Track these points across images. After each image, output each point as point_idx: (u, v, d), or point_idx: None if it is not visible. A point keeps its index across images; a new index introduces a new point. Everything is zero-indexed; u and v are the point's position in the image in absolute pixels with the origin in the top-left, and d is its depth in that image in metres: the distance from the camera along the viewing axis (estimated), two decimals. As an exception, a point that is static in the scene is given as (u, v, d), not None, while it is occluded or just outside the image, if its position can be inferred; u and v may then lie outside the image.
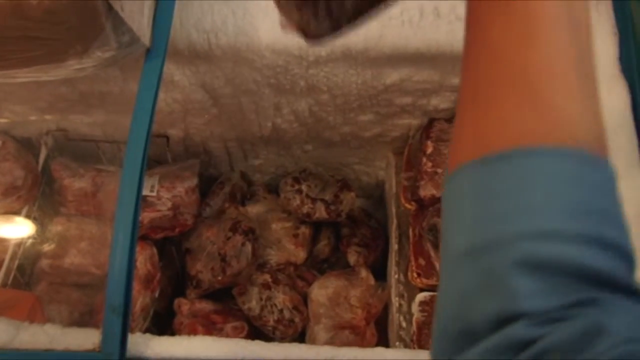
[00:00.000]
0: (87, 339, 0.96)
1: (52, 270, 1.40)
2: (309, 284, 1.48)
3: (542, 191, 0.38)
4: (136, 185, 0.95)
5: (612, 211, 0.38)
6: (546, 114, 0.40)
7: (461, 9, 1.21)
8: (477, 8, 0.45)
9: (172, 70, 1.26)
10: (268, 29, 1.20)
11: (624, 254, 0.36)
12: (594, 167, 0.39)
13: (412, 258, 1.30)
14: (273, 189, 1.66)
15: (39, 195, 1.44)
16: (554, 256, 0.35)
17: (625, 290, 0.35)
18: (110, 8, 0.91)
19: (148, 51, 1.03)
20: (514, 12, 0.41)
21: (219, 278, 1.38)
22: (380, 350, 1.03)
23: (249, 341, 1.00)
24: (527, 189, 0.38)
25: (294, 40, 1.20)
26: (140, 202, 0.96)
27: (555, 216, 0.36)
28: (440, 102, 1.39)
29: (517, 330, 0.34)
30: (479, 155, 0.40)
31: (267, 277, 1.44)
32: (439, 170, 1.39)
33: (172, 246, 1.50)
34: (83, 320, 1.39)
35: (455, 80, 1.31)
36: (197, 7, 1.20)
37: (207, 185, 1.61)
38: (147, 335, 1.00)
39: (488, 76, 0.43)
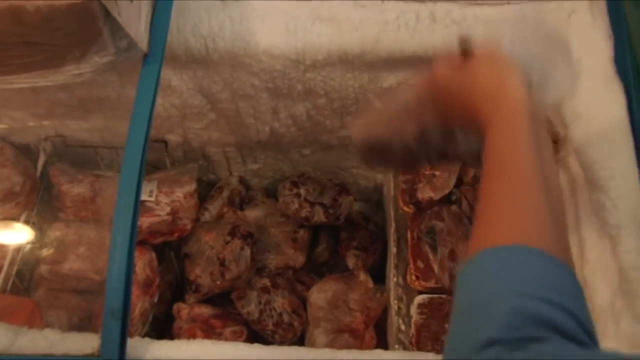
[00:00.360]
0: (86, 343, 0.96)
1: (51, 276, 1.40)
2: (308, 287, 1.48)
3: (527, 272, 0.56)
4: (134, 189, 0.95)
5: (575, 292, 0.56)
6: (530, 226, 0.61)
7: (456, 14, 1.22)
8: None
9: (170, 75, 1.27)
10: (265, 33, 1.20)
11: (578, 319, 0.51)
12: (557, 263, 0.57)
13: (411, 261, 1.30)
14: (271, 194, 1.67)
15: (38, 201, 1.44)
16: (530, 308, 0.51)
17: (573, 338, 0.50)
18: (107, 13, 0.91)
19: (145, 56, 1.03)
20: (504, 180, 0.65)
21: (218, 282, 1.38)
22: (378, 352, 1.04)
23: (248, 344, 1.01)
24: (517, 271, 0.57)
25: (290, 45, 1.20)
26: (139, 206, 0.96)
27: (535, 288, 0.54)
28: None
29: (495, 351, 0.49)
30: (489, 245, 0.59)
31: (266, 281, 1.44)
32: (437, 173, 1.40)
33: (171, 251, 1.50)
34: (82, 325, 1.39)
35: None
36: (194, 12, 1.20)
37: (205, 190, 1.62)
38: (146, 339, 1.01)
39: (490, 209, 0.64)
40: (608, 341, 1.04)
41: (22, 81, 0.98)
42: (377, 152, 0.95)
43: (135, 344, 0.98)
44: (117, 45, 0.98)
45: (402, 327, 1.32)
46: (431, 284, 1.27)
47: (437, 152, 0.89)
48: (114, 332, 0.91)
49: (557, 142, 1.20)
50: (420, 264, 1.29)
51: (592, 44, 1.17)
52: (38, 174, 1.44)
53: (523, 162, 0.65)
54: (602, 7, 1.18)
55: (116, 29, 0.95)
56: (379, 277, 1.51)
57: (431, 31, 1.20)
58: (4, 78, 0.96)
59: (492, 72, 0.73)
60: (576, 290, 0.56)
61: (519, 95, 0.69)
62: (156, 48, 1.05)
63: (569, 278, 0.57)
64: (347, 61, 1.24)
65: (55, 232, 1.44)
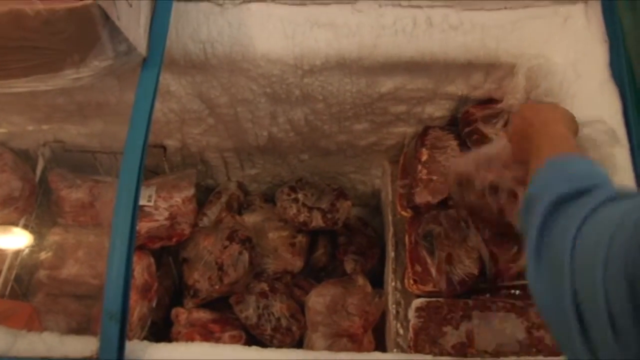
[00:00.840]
0: (85, 346, 0.96)
1: (49, 281, 1.40)
2: (306, 292, 1.48)
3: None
4: (133, 194, 0.96)
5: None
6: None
7: (453, 18, 1.23)
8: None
9: (169, 81, 1.28)
10: (263, 39, 1.21)
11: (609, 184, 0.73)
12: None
13: (409, 265, 1.30)
14: (269, 198, 1.67)
15: (36, 206, 1.44)
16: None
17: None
18: (107, 18, 0.92)
19: (144, 60, 1.04)
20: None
21: (217, 287, 1.38)
22: (377, 355, 1.04)
23: (246, 347, 1.01)
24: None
25: (288, 50, 1.21)
26: (137, 210, 0.97)
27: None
28: (434, 110, 1.40)
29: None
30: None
31: (264, 286, 1.44)
32: (434, 177, 1.40)
33: (169, 256, 1.51)
34: (81, 330, 1.39)
35: (449, 88, 1.33)
36: (193, 18, 1.21)
37: (204, 195, 1.62)
38: (145, 342, 1.01)
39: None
40: None
41: (21, 85, 0.98)
42: (460, 188, 1.11)
43: (134, 347, 0.98)
44: (116, 49, 0.98)
45: (400, 331, 1.32)
46: (429, 287, 1.27)
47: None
48: (113, 335, 0.92)
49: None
50: (418, 268, 1.29)
51: (587, 48, 1.18)
52: (37, 179, 1.44)
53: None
54: (597, 12, 1.19)
55: (115, 33, 0.95)
56: (377, 281, 1.52)
57: (428, 36, 1.21)
58: (3, 82, 0.97)
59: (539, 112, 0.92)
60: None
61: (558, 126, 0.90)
62: (155, 52, 1.05)
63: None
64: (345, 66, 1.25)
65: (53, 237, 1.44)
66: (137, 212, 0.97)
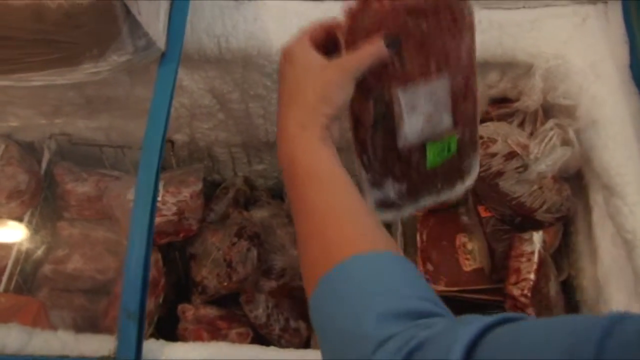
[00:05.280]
0: (101, 345, 0.95)
1: (55, 276, 1.39)
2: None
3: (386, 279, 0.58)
4: (152, 190, 0.95)
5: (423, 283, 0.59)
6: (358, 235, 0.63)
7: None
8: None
9: (181, 75, 1.26)
10: (279, 33, 1.20)
11: (435, 302, 0.56)
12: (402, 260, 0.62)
13: (420, 264, 1.30)
14: (276, 194, 1.66)
15: (42, 199, 1.43)
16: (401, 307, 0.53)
17: (439, 314, 0.54)
18: (128, 12, 0.91)
19: (163, 55, 1.03)
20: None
21: (225, 284, 1.37)
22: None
23: (264, 347, 1.01)
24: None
25: (304, 45, 1.20)
26: (156, 206, 0.96)
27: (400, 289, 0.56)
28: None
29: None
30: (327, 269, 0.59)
31: (274, 284, 1.44)
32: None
33: (175, 251, 1.49)
34: (86, 326, 1.38)
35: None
36: (208, 11, 1.20)
37: (210, 190, 1.61)
38: (161, 341, 1.00)
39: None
40: None
41: (39, 79, 0.97)
42: None
43: (150, 346, 0.98)
44: (135, 44, 0.97)
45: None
46: (441, 286, 1.27)
47: None
48: (131, 334, 0.91)
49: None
50: (430, 267, 1.29)
51: (607, 49, 1.18)
52: (42, 172, 1.43)
53: (331, 170, 0.69)
54: (617, 12, 1.19)
55: (135, 27, 0.95)
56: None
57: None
58: (22, 75, 0.96)
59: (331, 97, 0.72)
60: (421, 279, 0.60)
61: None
62: (173, 47, 1.04)
63: (411, 270, 0.61)
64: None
65: (59, 232, 1.43)
66: (155, 209, 0.96)
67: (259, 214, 1.55)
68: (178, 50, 1.04)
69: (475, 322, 0.47)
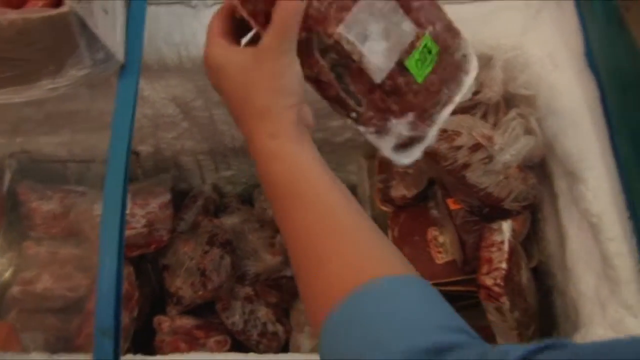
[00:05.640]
0: (77, 364, 0.94)
1: (24, 297, 1.36)
2: (289, 292, 1.48)
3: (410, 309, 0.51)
4: (119, 203, 0.93)
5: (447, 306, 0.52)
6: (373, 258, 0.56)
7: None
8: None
9: (142, 86, 1.25)
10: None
11: (464, 329, 0.49)
12: (422, 282, 0.54)
13: (393, 259, 1.30)
14: (246, 200, 1.66)
15: (5, 220, 1.40)
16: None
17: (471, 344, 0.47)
18: (84, 25, 0.89)
19: (122, 67, 1.02)
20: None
21: (200, 293, 1.37)
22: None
23: (244, 355, 1.00)
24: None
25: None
26: (125, 221, 0.94)
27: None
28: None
29: None
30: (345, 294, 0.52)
31: (249, 290, 1.43)
32: (410, 171, 1.41)
33: (147, 263, 1.48)
34: (60, 346, 1.36)
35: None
36: (165, 20, 1.19)
37: (178, 200, 1.60)
38: (139, 355, 0.99)
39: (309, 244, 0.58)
40: (595, 328, 1.07)
41: (-5, 97, 0.95)
42: None
43: (128, 362, 0.96)
44: (93, 58, 0.96)
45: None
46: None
47: None
48: (107, 351, 0.89)
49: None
50: (403, 262, 1.30)
51: (562, 39, 1.19)
52: (4, 192, 1.40)
53: (317, 184, 0.61)
54: (570, 3, 1.20)
55: (93, 40, 0.93)
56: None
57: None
58: (-23, 96, 0.93)
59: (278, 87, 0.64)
60: (444, 303, 0.53)
61: (291, 125, 0.64)
62: (132, 58, 1.03)
63: (433, 294, 0.53)
64: (322, 64, 1.23)
65: (26, 251, 1.40)
66: (124, 222, 0.94)
67: (230, 220, 1.55)
68: (137, 61, 1.03)
69: (512, 351, 0.42)
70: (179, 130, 1.41)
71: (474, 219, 1.26)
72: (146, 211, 1.38)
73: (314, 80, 0.69)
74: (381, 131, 0.70)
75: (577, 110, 1.14)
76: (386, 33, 0.66)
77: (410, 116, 0.70)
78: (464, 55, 0.77)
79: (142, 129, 1.36)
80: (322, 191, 0.61)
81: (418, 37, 0.68)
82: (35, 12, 0.85)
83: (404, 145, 0.72)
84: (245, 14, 0.64)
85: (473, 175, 1.19)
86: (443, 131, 1.22)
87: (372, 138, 0.71)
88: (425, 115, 0.72)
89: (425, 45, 0.70)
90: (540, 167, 1.25)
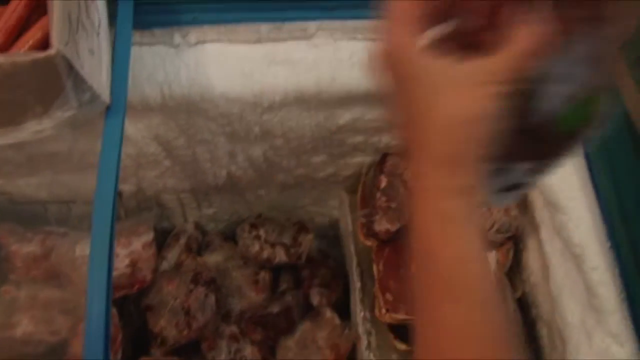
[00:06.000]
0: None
1: (2, 343, 1.33)
2: (275, 329, 1.46)
3: None
4: (107, 245, 0.92)
5: None
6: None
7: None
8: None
9: (125, 125, 1.24)
10: (221, 78, 1.19)
11: None
12: None
13: (379, 294, 1.30)
14: (229, 237, 1.65)
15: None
16: None
17: None
18: (71, 67, 0.89)
19: (108, 108, 1.01)
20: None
21: (185, 333, 1.34)
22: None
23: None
24: None
25: (247, 88, 1.20)
26: (113, 262, 0.93)
27: None
28: (391, 139, 1.42)
29: None
30: None
31: (234, 329, 1.42)
32: (393, 205, 1.41)
33: (130, 304, 1.45)
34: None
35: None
36: (149, 60, 1.19)
37: (161, 238, 1.58)
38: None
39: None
40: (581, 356, 1.07)
41: (-20, 141, 0.94)
42: None
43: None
44: (80, 99, 0.95)
45: (374, 361, 1.32)
46: (401, 315, 1.27)
47: None
48: (97, 396, 0.87)
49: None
50: (389, 297, 1.29)
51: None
52: (-16, 235, 1.38)
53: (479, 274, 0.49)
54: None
55: (79, 82, 0.93)
56: (343, 311, 1.51)
57: (384, 67, 1.23)
58: (-38, 139, 0.92)
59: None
60: None
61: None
62: (118, 99, 1.02)
63: None
64: (304, 101, 1.24)
65: (4, 296, 1.37)
66: (112, 264, 0.93)
67: (213, 258, 1.54)
68: (123, 102, 1.03)
69: None
70: (161, 169, 1.40)
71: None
72: (129, 251, 1.36)
73: None
74: (497, 170, 0.63)
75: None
76: (567, 77, 0.57)
77: (533, 163, 0.64)
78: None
79: (125, 168, 1.35)
80: (482, 288, 0.49)
81: (590, 91, 0.59)
82: (22, 55, 0.84)
83: (507, 187, 0.67)
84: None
85: None
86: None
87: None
88: (544, 165, 0.66)
89: (589, 100, 0.61)
90: (521, 198, 1.26)
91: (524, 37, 0.46)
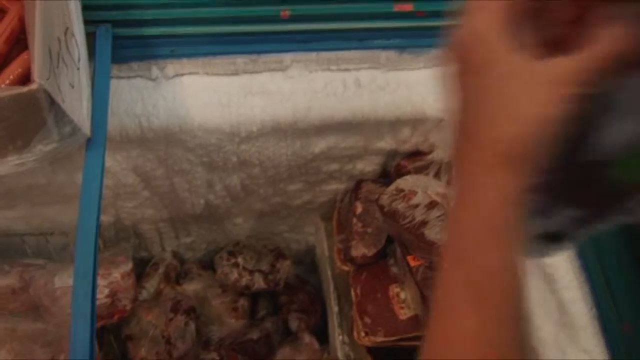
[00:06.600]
0: None
1: (-19, 377, 1.31)
2: (253, 356, 1.46)
3: None
4: (91, 276, 0.92)
5: None
6: None
7: (380, 79, 1.27)
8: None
9: (104, 157, 1.24)
10: (199, 109, 1.20)
11: None
12: None
13: (357, 318, 1.31)
14: (207, 265, 1.65)
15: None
16: None
17: None
18: (52, 101, 0.89)
19: (88, 141, 1.01)
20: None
21: (166, 362, 1.34)
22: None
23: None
24: None
25: (224, 119, 1.21)
26: (96, 293, 0.93)
27: None
28: (365, 166, 1.43)
29: None
30: None
31: (215, 356, 1.42)
32: (369, 230, 1.42)
33: (109, 334, 1.44)
34: None
35: (379, 144, 1.36)
36: (127, 93, 1.19)
37: (139, 268, 1.58)
38: None
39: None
40: None
41: (-38, 175, 0.93)
42: None
43: None
44: (61, 132, 0.95)
45: (353, 384, 1.33)
46: (380, 337, 1.28)
47: None
48: None
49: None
50: (367, 320, 1.30)
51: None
52: (-40, 269, 1.36)
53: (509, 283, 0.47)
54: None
55: (60, 115, 0.93)
56: (322, 336, 1.51)
57: (358, 96, 1.25)
58: (-56, 173, 0.92)
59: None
60: None
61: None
62: (98, 131, 1.02)
63: None
64: (280, 130, 1.26)
65: (-18, 330, 1.35)
66: (96, 295, 0.92)
67: (192, 286, 1.54)
68: (103, 134, 1.03)
69: None
70: (139, 199, 1.40)
71: (435, 274, 1.27)
72: (109, 281, 1.35)
73: None
74: (543, 211, 0.57)
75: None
76: (630, 110, 0.50)
77: (581, 211, 0.57)
78: None
79: (104, 199, 1.34)
80: (505, 299, 0.47)
81: None
82: (4, 90, 0.84)
83: (551, 236, 0.59)
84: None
85: (431, 232, 1.21)
86: (400, 190, 1.25)
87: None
88: (594, 217, 0.58)
89: None
90: None
91: (607, 38, 0.43)
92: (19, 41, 0.96)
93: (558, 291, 1.10)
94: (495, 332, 0.46)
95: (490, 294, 0.46)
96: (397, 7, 1.24)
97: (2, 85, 0.94)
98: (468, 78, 0.46)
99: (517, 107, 0.43)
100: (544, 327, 1.14)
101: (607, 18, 0.43)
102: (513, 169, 0.44)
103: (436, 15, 1.25)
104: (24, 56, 0.95)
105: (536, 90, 0.43)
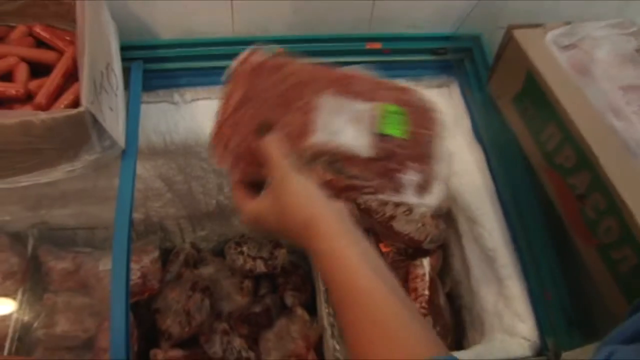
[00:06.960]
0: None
1: (46, 338, 1.36)
2: (257, 325, 1.51)
3: None
4: (125, 262, 0.97)
5: None
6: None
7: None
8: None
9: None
10: (211, 127, 1.25)
11: None
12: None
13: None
14: (218, 253, 1.69)
15: (30, 277, 1.41)
16: None
17: None
18: (95, 120, 0.95)
19: (123, 152, 1.07)
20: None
21: (186, 330, 1.39)
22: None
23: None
24: None
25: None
26: (130, 275, 0.98)
27: None
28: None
29: None
30: None
31: (225, 325, 1.46)
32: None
33: (142, 308, 1.49)
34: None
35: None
36: (154, 114, 1.25)
37: (165, 256, 1.62)
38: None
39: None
40: (495, 334, 1.12)
41: (26, 180, 0.98)
42: None
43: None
44: (102, 145, 1.01)
45: (337, 347, 1.37)
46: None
47: None
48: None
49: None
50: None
51: (454, 119, 1.31)
52: (28, 255, 1.42)
53: (363, 283, 0.55)
54: (457, 93, 1.32)
55: (101, 132, 0.99)
56: (312, 310, 1.55)
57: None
58: (13, 179, 0.97)
59: (299, 203, 0.61)
60: None
61: (329, 221, 0.59)
62: (131, 145, 1.08)
63: None
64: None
65: (46, 302, 1.40)
66: (129, 276, 0.97)
67: (206, 270, 1.57)
68: (135, 147, 1.08)
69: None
70: (164, 200, 1.45)
71: (401, 258, 1.31)
72: (140, 265, 1.40)
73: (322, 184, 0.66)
74: (398, 189, 0.68)
75: (471, 171, 1.23)
76: (349, 119, 0.67)
77: (411, 165, 0.69)
78: (421, 100, 0.77)
79: (135, 200, 1.39)
80: (362, 285, 0.55)
81: (375, 109, 0.69)
82: (59, 112, 0.89)
83: (423, 188, 0.70)
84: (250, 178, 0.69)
85: (398, 225, 1.25)
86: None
87: (395, 199, 0.70)
88: (424, 158, 0.70)
89: (388, 110, 0.69)
90: (447, 215, 1.32)
91: (260, 152, 0.66)
92: (72, 75, 1.02)
93: (497, 269, 1.14)
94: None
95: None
96: (369, 45, 1.29)
97: (59, 108, 0.99)
98: (260, 225, 0.69)
99: (286, 210, 0.63)
100: (485, 298, 1.18)
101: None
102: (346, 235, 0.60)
103: (399, 52, 1.31)
104: (75, 87, 1.00)
105: (280, 195, 0.63)
